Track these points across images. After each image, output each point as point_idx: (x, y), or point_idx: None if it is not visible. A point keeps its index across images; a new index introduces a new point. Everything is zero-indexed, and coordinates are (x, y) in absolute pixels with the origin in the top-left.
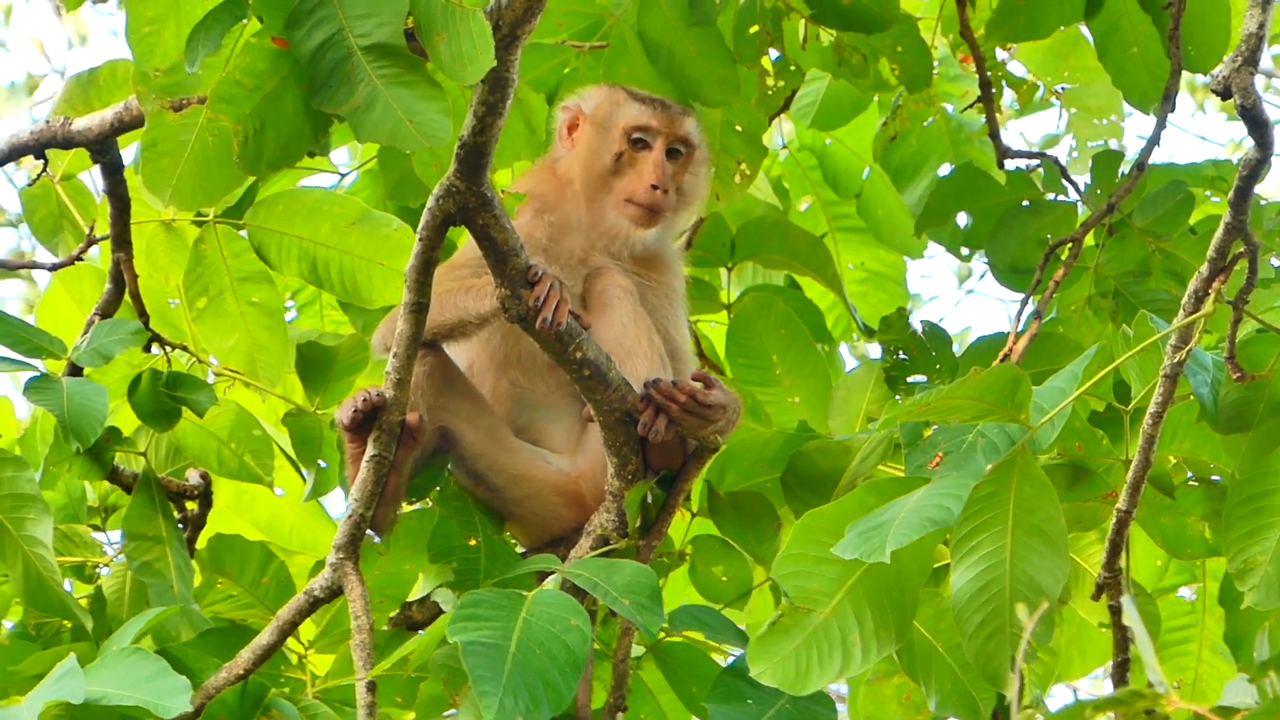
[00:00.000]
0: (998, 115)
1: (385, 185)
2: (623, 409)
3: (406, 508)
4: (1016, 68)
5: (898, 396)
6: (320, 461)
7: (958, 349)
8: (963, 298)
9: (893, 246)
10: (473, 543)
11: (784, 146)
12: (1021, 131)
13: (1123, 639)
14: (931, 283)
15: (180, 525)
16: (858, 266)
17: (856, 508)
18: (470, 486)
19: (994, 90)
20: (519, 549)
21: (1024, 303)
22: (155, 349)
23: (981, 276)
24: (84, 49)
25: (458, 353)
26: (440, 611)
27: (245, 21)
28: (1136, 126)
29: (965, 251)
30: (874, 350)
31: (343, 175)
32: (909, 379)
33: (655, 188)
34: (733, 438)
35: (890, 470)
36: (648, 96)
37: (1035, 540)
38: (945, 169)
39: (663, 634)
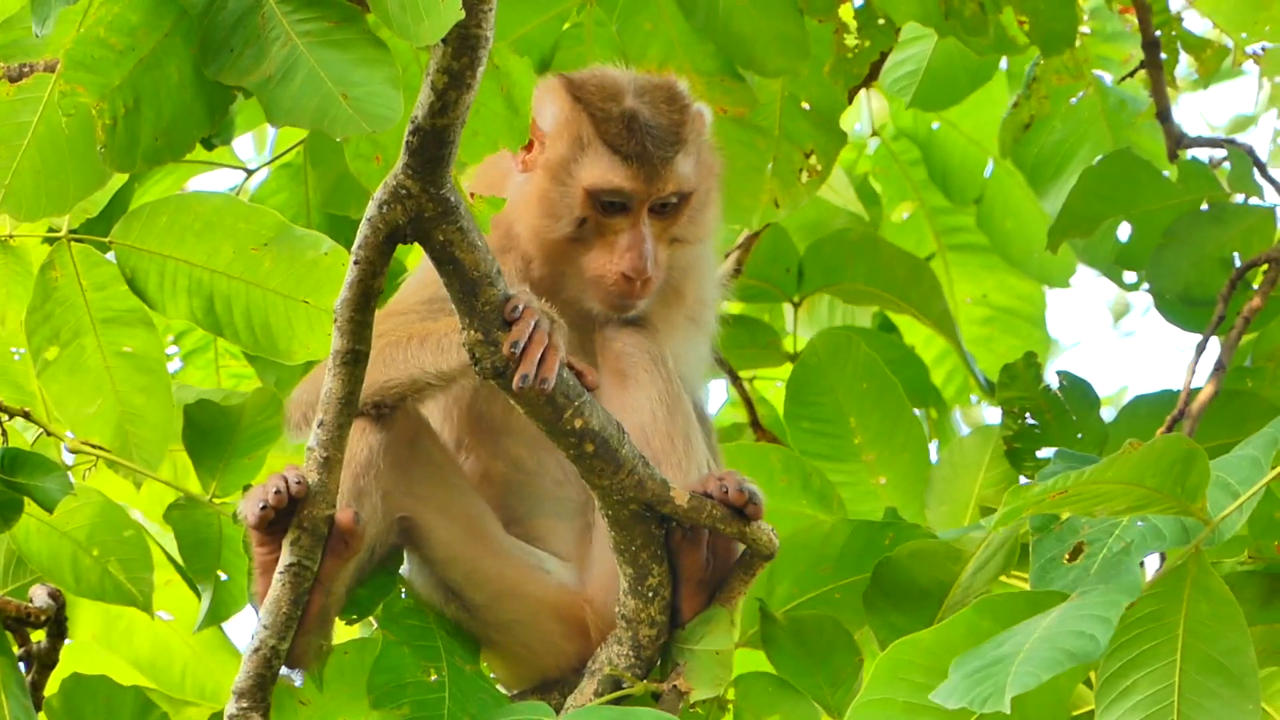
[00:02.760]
0: (1169, 88)
1: (318, 190)
2: (640, 499)
3: (350, 631)
4: (1196, 22)
5: (1023, 478)
6: (219, 573)
7: (1110, 413)
8: (1118, 342)
9: (1028, 272)
10: (433, 677)
11: (873, 133)
12: (1202, 112)
13: None
14: (1074, 321)
15: (22, 664)
16: (978, 300)
17: (964, 635)
18: (439, 602)
19: (1164, 54)
20: (503, 689)
21: (1201, 346)
22: None
23: (1146, 312)
24: None
25: (430, 411)
26: None
27: None
28: None
29: (1130, 277)
30: (996, 418)
31: (249, 172)
32: (1039, 453)
33: (630, 278)
34: (782, 532)
35: (1017, 584)
36: (625, 123)
37: (1214, 679)
38: None
39: None
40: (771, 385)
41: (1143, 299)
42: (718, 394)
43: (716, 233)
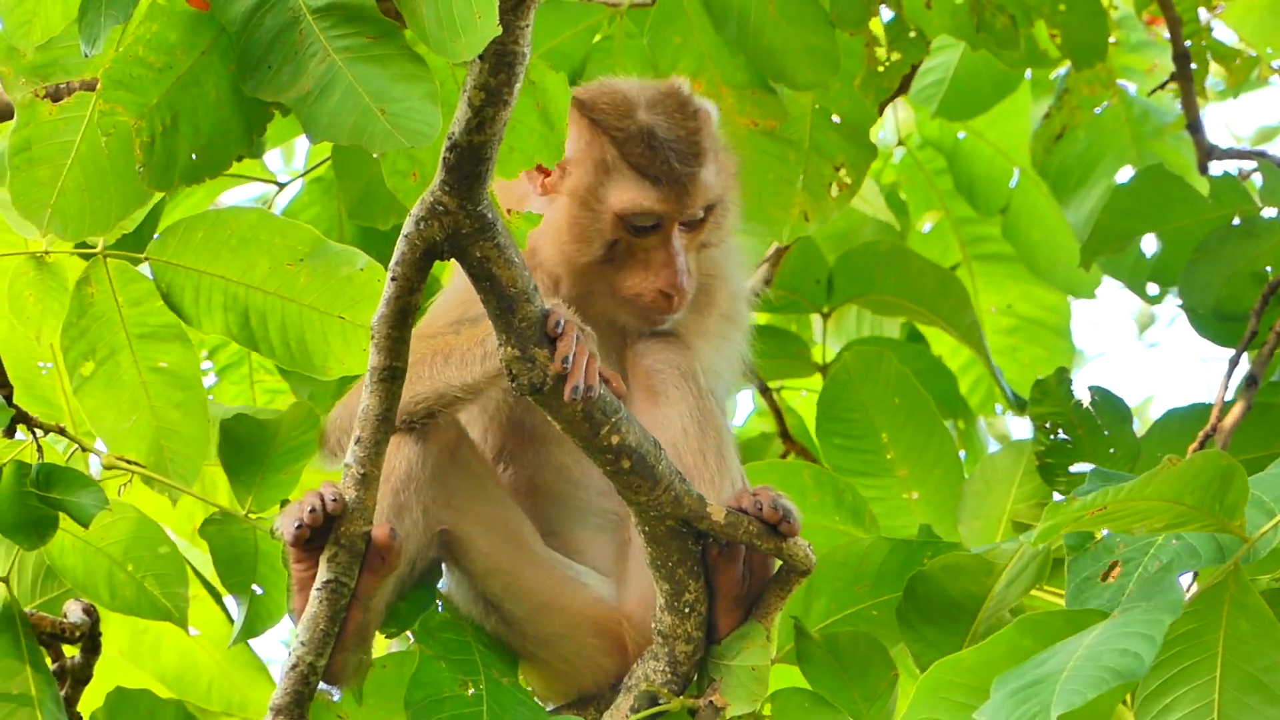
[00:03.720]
0: (1199, 99)
1: (344, 201)
2: (677, 515)
3: (385, 643)
4: (1224, 33)
5: (1056, 494)
6: (255, 587)
7: (1136, 424)
8: (1143, 353)
9: (1053, 282)
10: (470, 691)
11: (900, 143)
12: (1227, 123)
13: None
14: (1099, 331)
15: (56, 678)
16: (1003, 310)
17: (1006, 653)
18: (479, 615)
19: (1194, 65)
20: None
21: (1234, 361)
22: (20, 433)
23: (1171, 323)
24: None
25: (471, 422)
26: None
27: None
28: None
29: (1153, 290)
30: (1020, 427)
31: (281, 186)
32: (1071, 468)
33: (669, 295)
34: (820, 549)
35: (1047, 598)
36: (646, 142)
37: (1253, 696)
38: (1125, 174)
39: None
40: (797, 395)
41: (1168, 310)
42: (745, 404)
43: (737, 228)
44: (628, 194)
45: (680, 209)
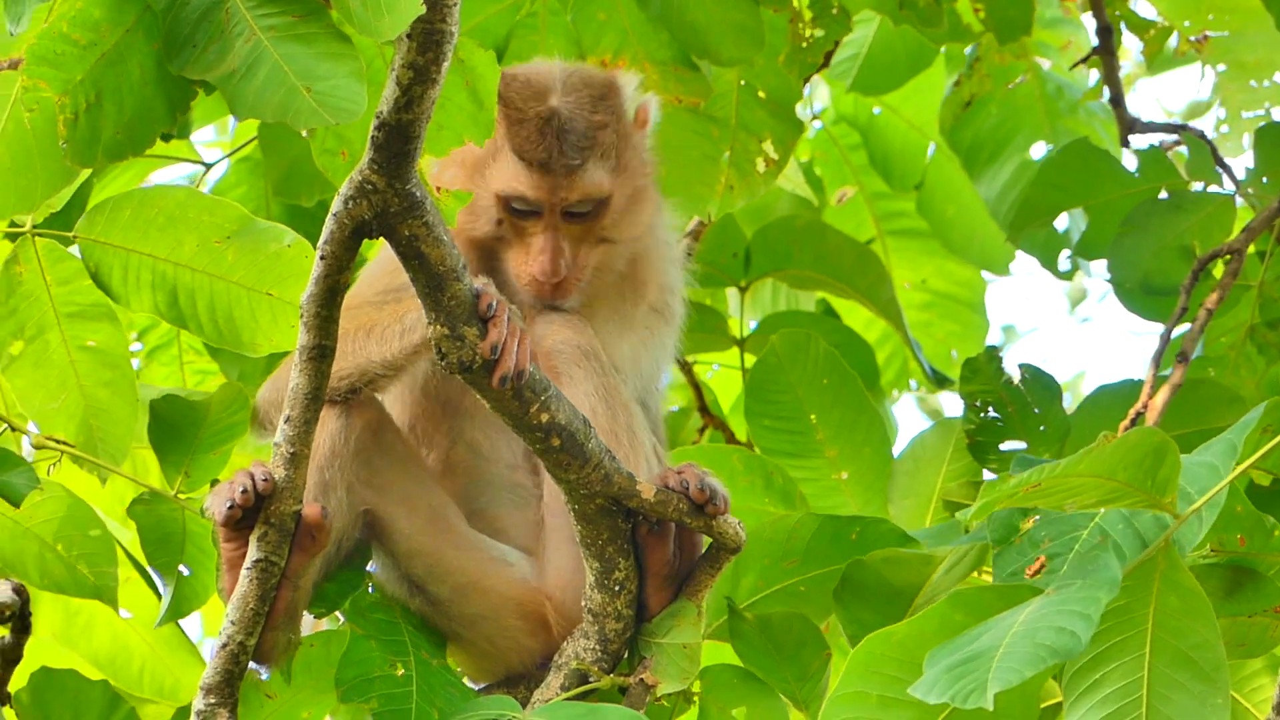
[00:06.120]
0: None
1: (270, 177)
2: (607, 493)
3: (333, 621)
4: (1144, 8)
5: (987, 471)
6: (182, 567)
7: (1068, 399)
8: (1075, 328)
9: (968, 258)
10: (400, 671)
11: (814, 117)
12: (1158, 97)
13: None
14: (1030, 307)
15: None
16: (917, 286)
17: (938, 628)
18: (404, 596)
19: (1115, 38)
20: (470, 683)
21: (1164, 337)
22: None
23: (1103, 299)
24: None
25: (386, 397)
26: None
27: None
28: None
29: (1065, 265)
30: (951, 402)
31: (208, 166)
32: (1001, 446)
33: (541, 281)
34: (749, 530)
35: (982, 579)
36: (538, 128)
37: (1183, 672)
38: (1039, 149)
39: None
40: (708, 368)
41: (1099, 285)
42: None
43: (663, 223)
44: (504, 176)
45: (554, 198)
